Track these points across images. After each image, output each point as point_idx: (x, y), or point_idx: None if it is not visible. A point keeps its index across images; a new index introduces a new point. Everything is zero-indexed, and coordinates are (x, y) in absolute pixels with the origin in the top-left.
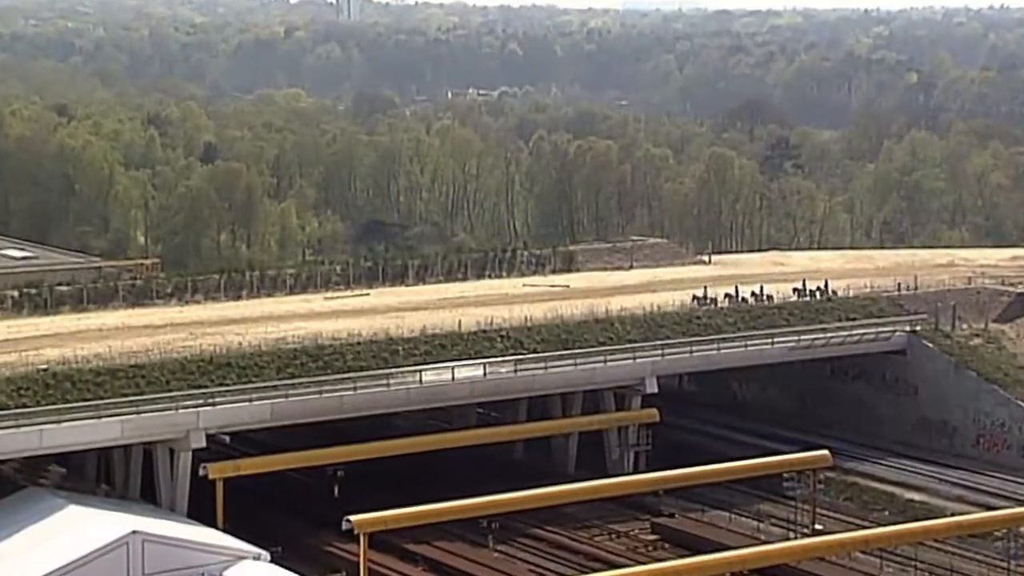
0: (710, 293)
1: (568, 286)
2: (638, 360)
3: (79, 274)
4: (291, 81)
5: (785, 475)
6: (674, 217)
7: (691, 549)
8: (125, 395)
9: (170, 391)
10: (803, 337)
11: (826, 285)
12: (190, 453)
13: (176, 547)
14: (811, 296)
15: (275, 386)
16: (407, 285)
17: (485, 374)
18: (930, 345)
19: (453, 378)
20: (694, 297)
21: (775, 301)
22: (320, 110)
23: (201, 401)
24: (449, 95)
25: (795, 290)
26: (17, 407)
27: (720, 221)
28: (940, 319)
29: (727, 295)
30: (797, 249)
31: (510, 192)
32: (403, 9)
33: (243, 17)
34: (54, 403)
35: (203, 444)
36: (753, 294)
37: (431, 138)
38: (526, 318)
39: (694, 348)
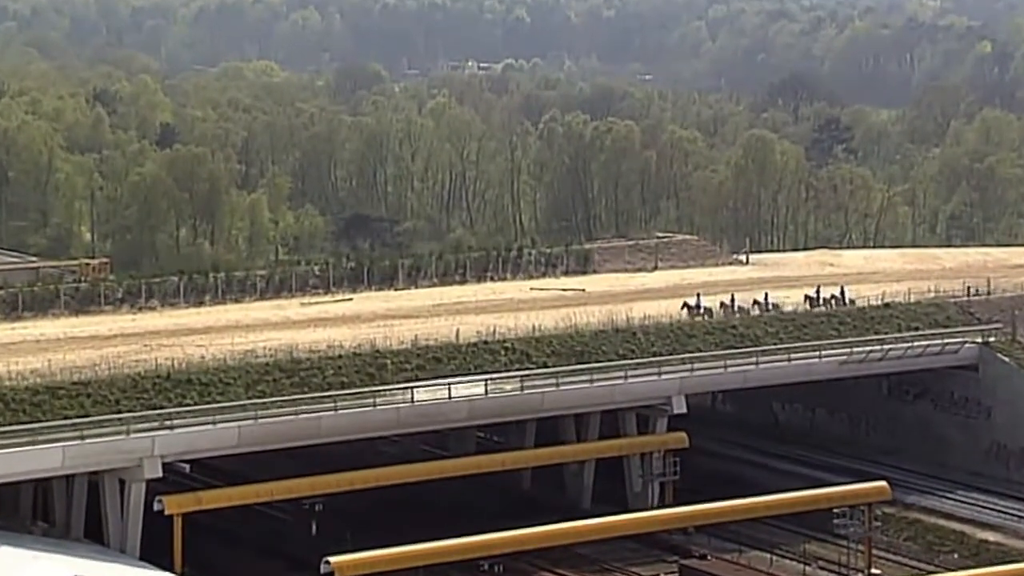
0: (704, 301)
1: (583, 290)
2: (664, 376)
3: (13, 276)
4: (261, 53)
5: (836, 510)
6: (705, 210)
7: None
8: (67, 417)
9: (120, 412)
10: (856, 350)
11: (842, 292)
12: (143, 484)
13: None
14: (825, 305)
15: (243, 406)
16: (396, 289)
17: (486, 392)
18: (1006, 359)
19: (449, 396)
20: (684, 305)
21: (796, 309)
22: (295, 86)
23: (156, 424)
24: (445, 69)
25: (807, 298)
26: None
27: (759, 215)
28: (1018, 329)
29: (722, 304)
30: (849, 247)
31: (516, 181)
32: None
33: None
34: None
35: (158, 474)
36: (756, 302)
37: (424, 119)
38: (534, 327)
39: (729, 362)
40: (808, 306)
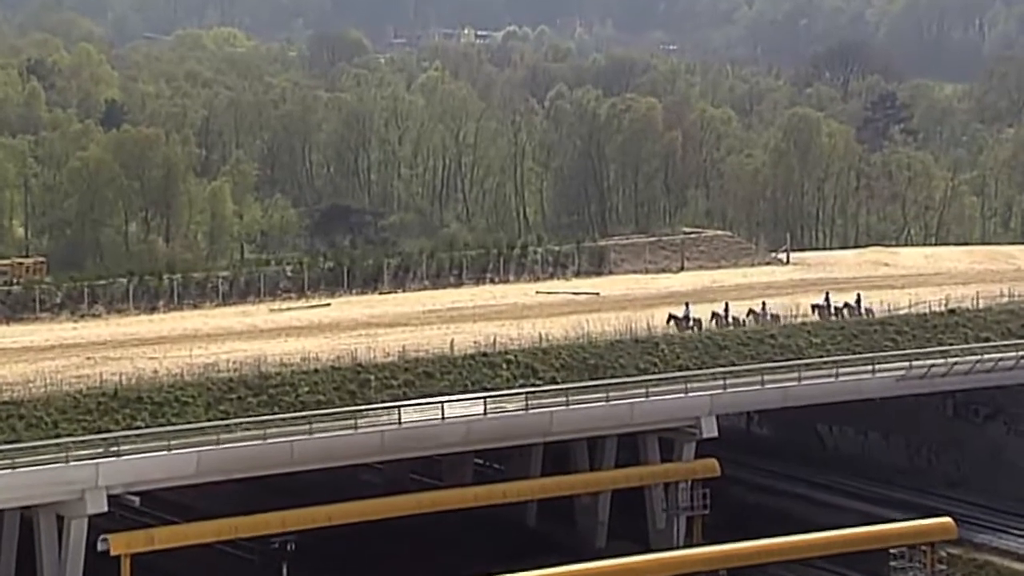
0: (693, 312)
1: (598, 294)
2: (691, 393)
3: None
4: (224, 18)
5: (893, 551)
6: (740, 202)
7: None
8: None
9: (58, 437)
10: (916, 364)
11: (858, 301)
12: (85, 520)
13: None
14: (837, 315)
15: (203, 429)
16: (381, 293)
17: (486, 412)
18: None
19: (443, 417)
20: (670, 317)
21: (809, 319)
22: (263, 58)
23: (101, 450)
24: (437, 38)
25: (814, 308)
26: None
27: (802, 207)
28: None
29: (714, 314)
30: (907, 245)
31: (519, 168)
32: None
33: None
34: None
35: (103, 508)
36: (751, 312)
37: (413, 95)
38: (541, 337)
39: (766, 378)
40: (817, 317)
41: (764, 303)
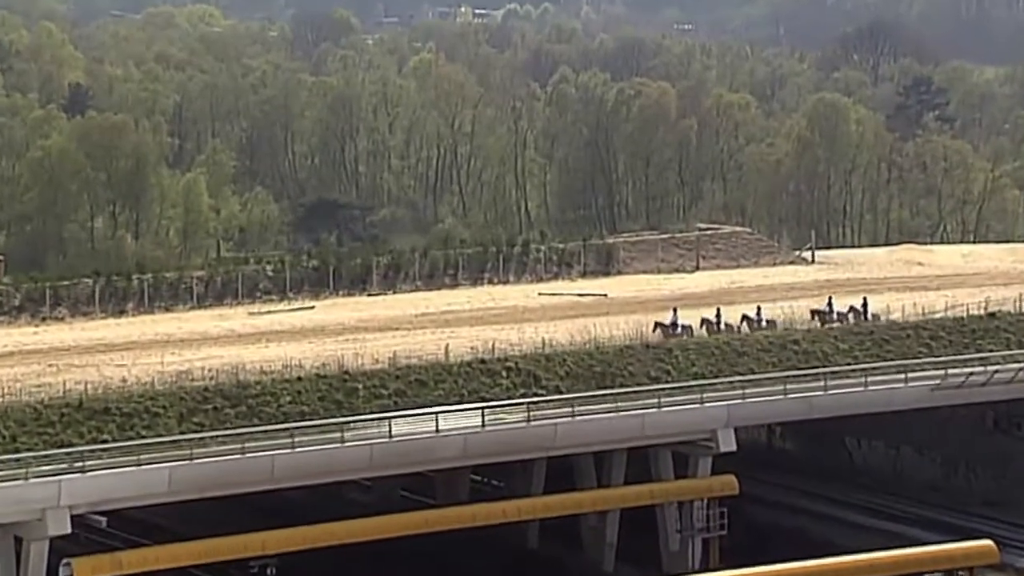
0: (682, 319)
1: (605, 296)
2: (708, 404)
3: None
4: None
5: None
6: (760, 195)
7: None
8: None
9: (17, 451)
10: (952, 372)
11: (864, 305)
12: (46, 543)
13: None
14: (840, 320)
15: (176, 443)
16: (370, 294)
17: (484, 424)
18: None
19: (437, 430)
20: (657, 325)
21: (819, 326)
22: (242, 38)
23: (65, 466)
24: (431, 16)
25: (814, 313)
26: None
27: (828, 201)
28: None
29: (703, 321)
30: (943, 242)
31: (520, 159)
32: None
33: None
34: None
35: (66, 529)
36: (745, 317)
37: (405, 79)
38: (544, 342)
39: (789, 387)
40: (819, 324)
41: (759, 308)
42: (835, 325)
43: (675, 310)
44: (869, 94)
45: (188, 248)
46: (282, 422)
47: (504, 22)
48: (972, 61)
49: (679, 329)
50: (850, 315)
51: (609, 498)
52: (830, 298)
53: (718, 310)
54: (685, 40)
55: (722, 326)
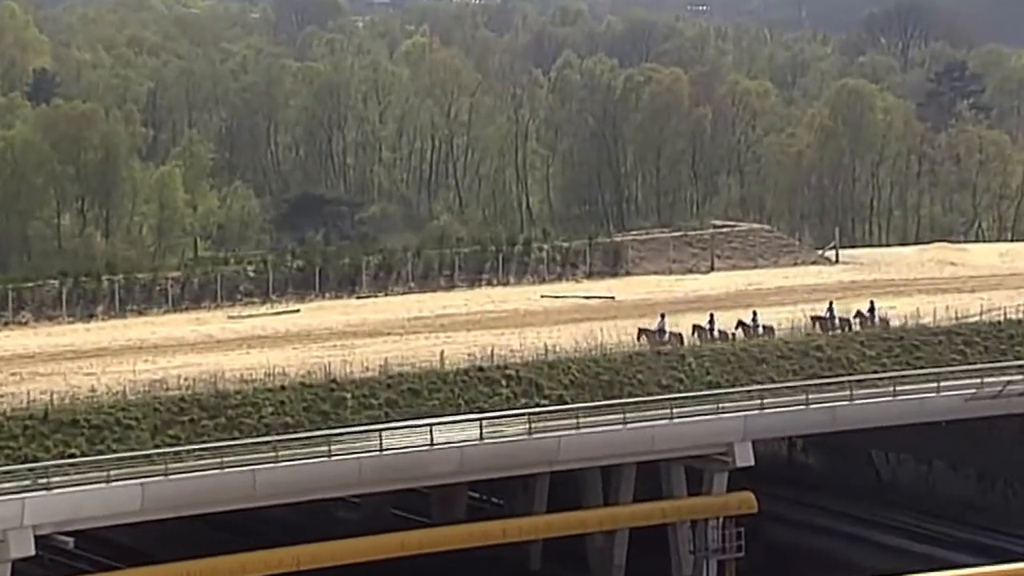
0: (670, 325)
1: (613, 298)
2: (723, 415)
3: None
4: None
5: None
6: (780, 190)
7: None
8: None
9: None
10: (989, 380)
11: (871, 310)
12: (8, 566)
13: None
14: (844, 326)
15: (149, 457)
16: (359, 297)
17: (482, 436)
18: None
19: (432, 443)
20: (641, 332)
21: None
22: (220, 20)
23: (28, 482)
24: None
25: (815, 319)
26: None
27: (853, 196)
28: None
29: (695, 327)
30: (978, 240)
31: (521, 151)
32: None
33: None
34: None
35: (30, 551)
36: (740, 323)
37: (396, 65)
38: (547, 348)
39: (812, 396)
40: (820, 330)
41: (755, 313)
42: (836, 333)
43: (663, 315)
44: (898, 80)
45: (163, 247)
46: (264, 435)
47: (504, 3)
48: (1010, 44)
49: (667, 336)
50: (855, 320)
51: (617, 516)
52: (831, 303)
53: (711, 316)
54: (699, 23)
55: (715, 333)
